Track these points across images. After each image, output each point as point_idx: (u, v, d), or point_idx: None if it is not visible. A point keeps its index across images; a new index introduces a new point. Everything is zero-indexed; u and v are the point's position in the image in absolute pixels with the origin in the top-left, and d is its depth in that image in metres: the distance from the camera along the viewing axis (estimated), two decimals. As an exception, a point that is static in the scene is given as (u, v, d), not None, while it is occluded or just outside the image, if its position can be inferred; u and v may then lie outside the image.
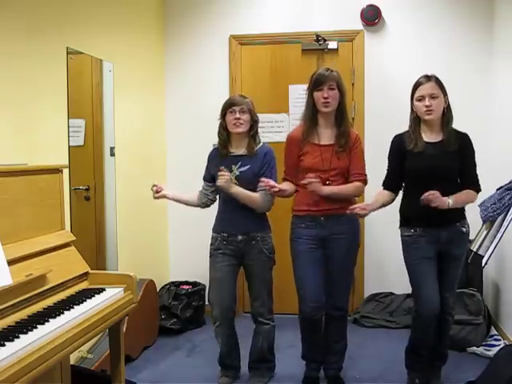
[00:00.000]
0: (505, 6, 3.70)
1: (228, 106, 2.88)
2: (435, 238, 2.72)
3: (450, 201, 2.60)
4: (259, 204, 2.85)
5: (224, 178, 2.75)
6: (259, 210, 2.89)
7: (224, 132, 2.91)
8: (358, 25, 4.08)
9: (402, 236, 2.82)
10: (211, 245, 2.98)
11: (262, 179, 2.74)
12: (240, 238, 2.88)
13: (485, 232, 2.60)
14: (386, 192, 2.86)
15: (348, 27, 4.09)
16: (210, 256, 2.98)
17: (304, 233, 2.84)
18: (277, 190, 2.73)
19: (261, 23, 4.19)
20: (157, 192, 2.94)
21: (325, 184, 2.76)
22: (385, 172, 2.90)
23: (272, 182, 2.73)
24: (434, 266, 2.76)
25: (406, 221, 2.81)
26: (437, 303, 2.71)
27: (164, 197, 2.97)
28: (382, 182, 2.91)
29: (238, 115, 2.83)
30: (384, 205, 2.84)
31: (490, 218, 2.58)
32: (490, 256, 2.54)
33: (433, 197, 2.54)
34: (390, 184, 2.86)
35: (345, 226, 2.83)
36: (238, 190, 2.81)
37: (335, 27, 4.10)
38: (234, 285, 2.97)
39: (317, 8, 4.13)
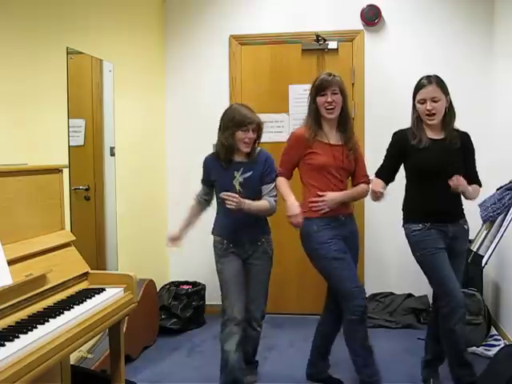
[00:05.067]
0: (505, 5, 3.69)
1: (242, 124, 2.76)
2: (444, 232, 2.74)
3: (470, 188, 2.71)
4: (269, 211, 2.83)
5: (233, 201, 2.64)
6: (267, 216, 2.89)
7: (232, 142, 2.79)
8: (358, 25, 4.08)
9: (410, 233, 2.79)
10: (216, 247, 2.90)
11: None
12: (246, 239, 2.86)
13: (485, 232, 2.60)
14: (380, 180, 2.83)
15: (348, 27, 4.10)
16: (220, 257, 2.88)
17: (332, 233, 2.78)
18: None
19: (261, 23, 4.19)
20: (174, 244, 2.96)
21: (341, 182, 2.83)
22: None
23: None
24: (448, 258, 2.76)
25: (412, 217, 2.80)
26: (462, 294, 2.73)
27: (179, 239, 2.96)
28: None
29: (250, 135, 2.78)
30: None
31: (490, 218, 2.58)
32: (490, 256, 2.54)
33: (458, 182, 2.61)
34: (383, 175, 2.83)
35: (354, 225, 2.93)
36: (250, 206, 2.73)
37: (335, 27, 4.10)
38: (245, 283, 2.91)
39: (317, 8, 4.13)
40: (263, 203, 2.80)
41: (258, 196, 2.82)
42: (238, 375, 2.80)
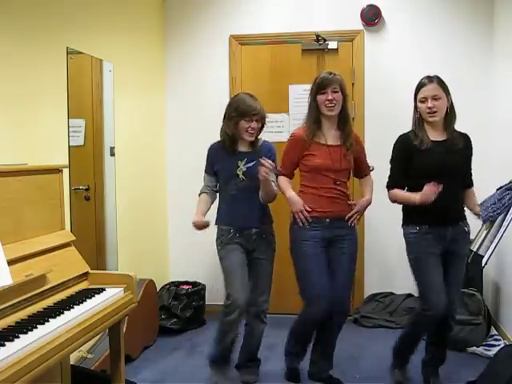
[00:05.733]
0: (505, 5, 3.69)
1: (246, 114, 2.80)
2: (442, 235, 2.72)
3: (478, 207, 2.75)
4: (273, 193, 2.84)
5: (268, 169, 2.66)
6: (269, 200, 2.89)
7: (235, 131, 2.85)
8: (358, 25, 4.08)
9: (406, 234, 2.80)
10: (222, 236, 2.90)
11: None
12: (254, 231, 2.88)
13: (485, 232, 2.61)
14: (397, 190, 2.81)
15: (348, 27, 4.09)
16: (224, 246, 2.88)
17: (311, 234, 2.79)
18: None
19: (261, 23, 4.18)
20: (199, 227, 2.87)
21: (335, 183, 2.79)
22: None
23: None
24: (441, 263, 2.76)
25: (410, 219, 2.80)
26: (445, 301, 2.69)
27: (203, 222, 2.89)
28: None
29: (254, 125, 2.82)
30: None
31: (490, 218, 2.58)
32: (490, 256, 2.55)
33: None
34: (399, 184, 2.80)
35: (348, 228, 2.86)
36: (268, 181, 2.75)
37: (335, 27, 4.10)
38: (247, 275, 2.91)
39: (317, 8, 4.13)
40: (275, 188, 2.83)
41: (259, 185, 2.82)
42: (226, 356, 2.99)
